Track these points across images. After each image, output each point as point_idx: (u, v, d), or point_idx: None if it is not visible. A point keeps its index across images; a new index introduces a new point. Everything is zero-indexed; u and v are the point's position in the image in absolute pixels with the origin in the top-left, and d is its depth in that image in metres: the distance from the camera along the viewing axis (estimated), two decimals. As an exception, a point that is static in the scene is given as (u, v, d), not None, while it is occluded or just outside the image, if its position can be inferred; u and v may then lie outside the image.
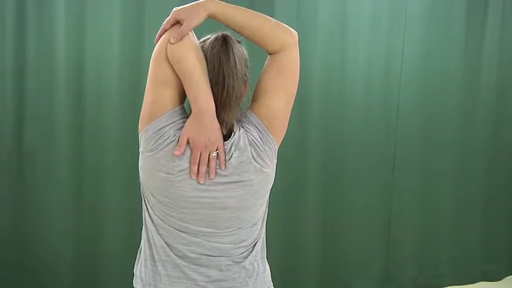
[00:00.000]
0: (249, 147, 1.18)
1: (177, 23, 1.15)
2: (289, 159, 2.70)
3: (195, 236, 1.20)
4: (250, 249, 1.25)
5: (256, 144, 1.19)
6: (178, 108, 1.18)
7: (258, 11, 1.22)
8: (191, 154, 1.14)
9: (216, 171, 1.16)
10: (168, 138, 1.15)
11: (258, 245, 1.27)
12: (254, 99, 1.23)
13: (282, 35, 1.21)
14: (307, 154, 2.78)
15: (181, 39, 1.12)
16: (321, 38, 2.73)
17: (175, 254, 1.20)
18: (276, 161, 1.25)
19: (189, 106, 1.17)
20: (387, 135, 2.93)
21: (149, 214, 1.23)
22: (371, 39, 2.82)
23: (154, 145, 1.15)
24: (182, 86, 1.15)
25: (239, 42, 1.22)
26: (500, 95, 3.13)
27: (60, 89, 2.44)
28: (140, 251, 1.29)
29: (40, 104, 2.44)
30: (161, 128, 1.15)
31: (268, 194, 1.28)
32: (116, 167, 2.52)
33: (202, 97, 1.12)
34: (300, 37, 1.26)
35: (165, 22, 1.16)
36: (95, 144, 2.51)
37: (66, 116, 2.47)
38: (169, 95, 1.16)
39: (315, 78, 2.74)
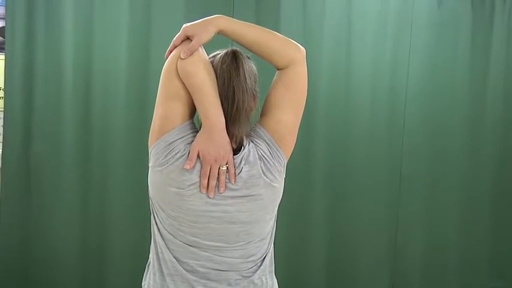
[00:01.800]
0: (258, 162, 1.18)
1: (187, 38, 1.16)
2: (296, 172, 2.70)
3: (204, 251, 1.20)
4: (259, 264, 1.25)
5: (265, 158, 1.19)
6: (188, 122, 1.18)
7: (263, 25, 1.23)
8: (201, 168, 1.15)
9: (225, 185, 1.16)
10: (178, 152, 1.15)
11: (267, 260, 1.27)
12: (263, 113, 1.24)
13: (289, 50, 1.22)
14: (314, 167, 2.78)
15: (191, 54, 1.14)
16: (327, 50, 2.74)
17: (184, 269, 1.20)
18: (284, 176, 1.25)
19: (199, 120, 1.17)
20: (393, 148, 2.92)
21: (158, 229, 1.23)
22: (377, 53, 2.83)
23: (164, 159, 1.16)
24: (192, 100, 1.16)
25: (248, 57, 1.24)
26: (507, 108, 3.11)
27: (67, 104, 2.47)
28: (149, 265, 1.28)
29: (48, 119, 2.46)
30: (171, 143, 1.16)
31: (276, 209, 1.28)
32: (122, 181, 2.53)
33: (213, 111, 1.13)
34: (306, 50, 1.27)
35: (175, 38, 1.17)
36: (102, 158, 2.52)
37: (73, 130, 2.49)
38: (179, 109, 1.16)
39: (321, 91, 2.74)
